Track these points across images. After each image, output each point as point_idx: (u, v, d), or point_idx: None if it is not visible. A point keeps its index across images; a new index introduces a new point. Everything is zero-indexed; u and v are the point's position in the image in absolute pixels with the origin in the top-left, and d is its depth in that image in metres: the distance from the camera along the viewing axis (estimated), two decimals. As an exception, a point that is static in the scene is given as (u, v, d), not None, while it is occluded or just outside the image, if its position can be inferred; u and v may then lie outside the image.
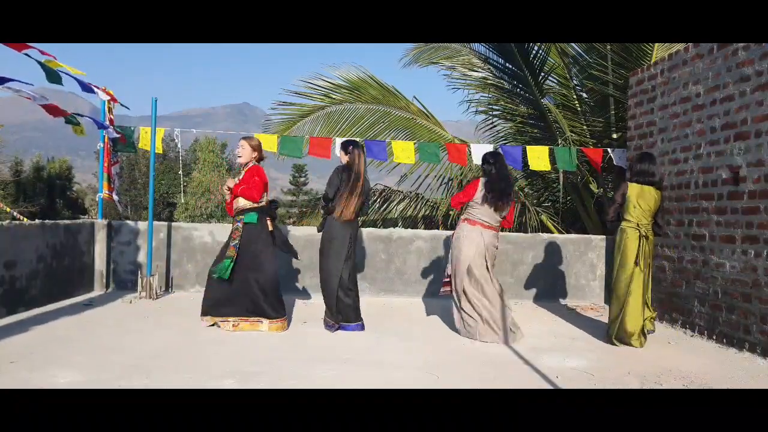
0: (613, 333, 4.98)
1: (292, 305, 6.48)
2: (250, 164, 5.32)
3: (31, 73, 5.26)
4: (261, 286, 5.11)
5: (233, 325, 5.11)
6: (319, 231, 5.38)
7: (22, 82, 4.84)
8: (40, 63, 5.04)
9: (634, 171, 5.10)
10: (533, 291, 7.30)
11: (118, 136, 7.04)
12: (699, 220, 5.44)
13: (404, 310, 6.37)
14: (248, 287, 5.11)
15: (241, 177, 5.30)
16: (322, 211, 5.41)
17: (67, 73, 5.25)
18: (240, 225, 5.17)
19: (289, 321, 5.42)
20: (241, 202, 5.22)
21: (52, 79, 5.12)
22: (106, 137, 6.96)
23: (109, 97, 6.51)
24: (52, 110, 5.44)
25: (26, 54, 4.88)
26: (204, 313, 5.19)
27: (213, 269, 5.16)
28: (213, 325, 5.16)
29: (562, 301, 7.20)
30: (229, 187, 5.25)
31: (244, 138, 5.41)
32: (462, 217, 5.25)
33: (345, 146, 5.38)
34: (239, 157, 5.33)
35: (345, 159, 5.31)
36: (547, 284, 7.33)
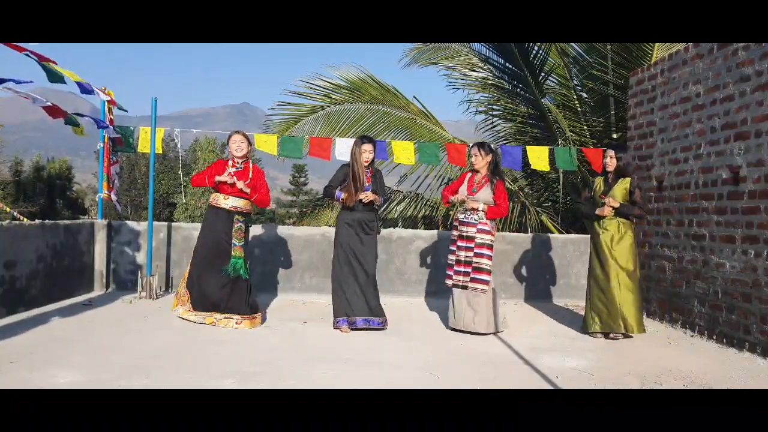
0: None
1: (292, 305, 6.48)
2: (248, 159, 5.36)
3: (31, 73, 5.27)
4: (249, 285, 5.34)
5: (236, 323, 5.18)
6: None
7: (22, 82, 4.84)
8: (41, 64, 5.04)
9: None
10: (533, 291, 7.30)
11: (118, 135, 7.04)
12: (699, 220, 5.44)
13: (404, 310, 6.37)
14: (242, 286, 5.27)
15: (240, 170, 5.29)
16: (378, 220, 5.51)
17: (66, 78, 5.27)
18: (243, 226, 5.28)
19: (263, 319, 5.51)
20: (241, 202, 5.25)
21: (54, 79, 5.12)
22: (106, 137, 6.96)
23: (109, 98, 6.50)
24: (53, 111, 5.44)
25: (26, 55, 4.88)
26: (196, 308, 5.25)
27: (225, 268, 5.20)
28: (201, 322, 5.19)
29: (563, 301, 7.19)
30: (236, 184, 5.22)
31: (240, 133, 5.40)
32: (486, 214, 5.19)
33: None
34: (240, 150, 5.31)
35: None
36: (548, 284, 7.33)
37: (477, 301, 5.14)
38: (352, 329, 5.17)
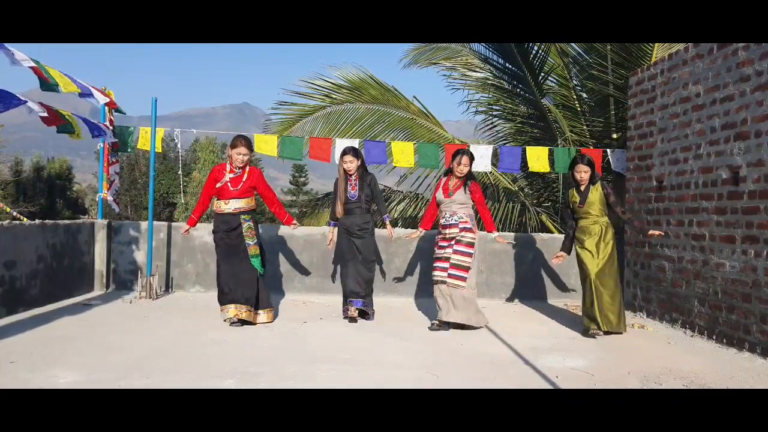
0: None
1: (292, 305, 6.48)
2: (247, 165, 5.40)
3: (29, 77, 5.28)
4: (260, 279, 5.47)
5: (247, 311, 5.32)
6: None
7: (15, 102, 4.81)
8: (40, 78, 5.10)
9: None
10: (533, 291, 7.29)
11: (114, 141, 7.07)
12: (699, 220, 5.44)
13: (404, 310, 6.37)
14: (255, 282, 5.38)
15: (237, 175, 5.34)
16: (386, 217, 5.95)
17: (60, 90, 5.31)
18: (251, 224, 5.39)
19: (271, 317, 5.59)
20: (242, 202, 5.34)
21: (45, 87, 5.17)
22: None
23: (108, 99, 6.50)
24: (50, 121, 5.46)
25: (11, 60, 4.90)
26: (228, 301, 5.30)
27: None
28: (236, 321, 5.25)
29: (562, 301, 7.19)
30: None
31: (244, 144, 5.35)
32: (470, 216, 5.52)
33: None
34: (242, 162, 5.30)
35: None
36: (547, 284, 7.33)
37: (455, 294, 5.34)
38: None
